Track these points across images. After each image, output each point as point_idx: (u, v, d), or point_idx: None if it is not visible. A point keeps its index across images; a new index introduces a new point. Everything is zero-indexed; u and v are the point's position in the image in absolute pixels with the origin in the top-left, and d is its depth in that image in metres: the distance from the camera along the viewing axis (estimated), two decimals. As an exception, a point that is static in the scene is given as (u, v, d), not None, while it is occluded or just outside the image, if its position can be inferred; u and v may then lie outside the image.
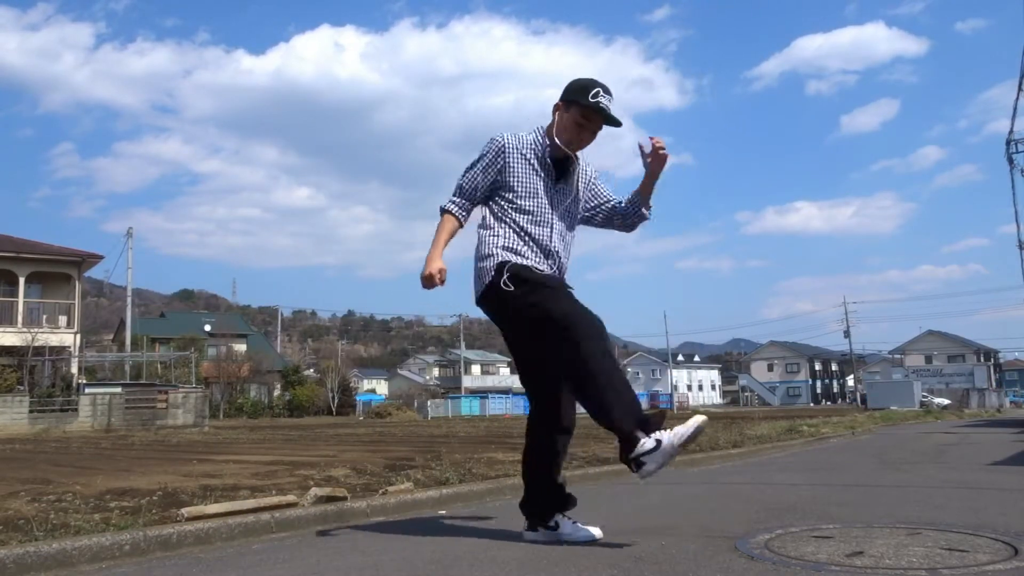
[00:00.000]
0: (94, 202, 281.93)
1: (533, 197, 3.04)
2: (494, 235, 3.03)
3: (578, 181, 3.16)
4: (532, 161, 3.05)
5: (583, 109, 2.97)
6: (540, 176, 3.06)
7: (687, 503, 4.30)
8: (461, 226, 3.10)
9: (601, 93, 2.96)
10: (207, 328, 56.60)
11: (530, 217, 3.03)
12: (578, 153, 3.11)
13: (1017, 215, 22.28)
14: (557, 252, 3.05)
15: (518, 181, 3.04)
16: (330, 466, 6.19)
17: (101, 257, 29.87)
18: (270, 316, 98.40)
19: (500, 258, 2.95)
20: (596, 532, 2.96)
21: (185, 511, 3.32)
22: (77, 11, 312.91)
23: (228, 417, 38.65)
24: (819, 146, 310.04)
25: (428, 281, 2.94)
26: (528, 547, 2.89)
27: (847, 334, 65.14)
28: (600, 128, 3.04)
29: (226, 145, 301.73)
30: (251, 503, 3.64)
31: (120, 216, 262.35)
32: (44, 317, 27.84)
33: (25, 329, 26.22)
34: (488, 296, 2.97)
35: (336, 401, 48.21)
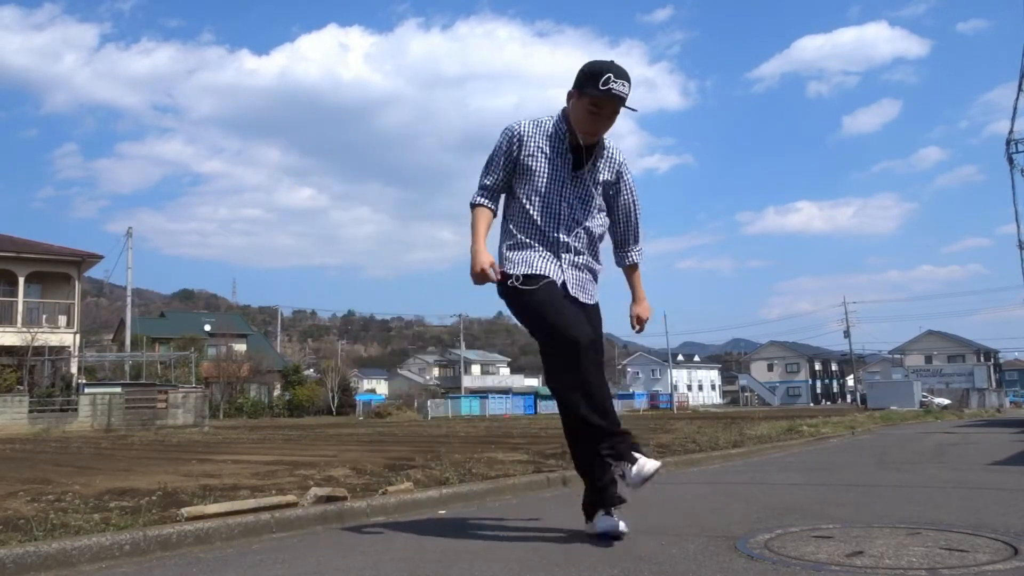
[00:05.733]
0: (97, 202, 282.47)
1: (545, 187, 3.02)
2: (503, 232, 3.13)
3: (603, 168, 3.10)
4: (546, 149, 3.03)
5: (593, 98, 2.89)
6: (556, 165, 3.03)
7: (687, 503, 4.30)
8: (495, 215, 3.13)
9: (612, 79, 2.85)
10: (207, 328, 56.58)
11: (539, 210, 3.02)
12: (606, 139, 3.07)
13: (1017, 215, 22.29)
14: (566, 244, 3.03)
15: (531, 171, 3.02)
16: (330, 466, 6.19)
17: (101, 257, 29.91)
18: (270, 316, 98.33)
19: (504, 262, 3.05)
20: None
21: (185, 511, 3.31)
22: (83, 11, 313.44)
23: (228, 417, 38.63)
24: (820, 146, 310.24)
25: (481, 277, 2.93)
26: (529, 546, 2.88)
27: (847, 334, 65.10)
28: (616, 113, 2.94)
29: (229, 145, 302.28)
30: (251, 503, 3.63)
31: (123, 216, 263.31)
32: (44, 317, 27.83)
33: (25, 329, 26.20)
34: (499, 292, 3.08)
35: (336, 401, 48.18)
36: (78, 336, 28.48)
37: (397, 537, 3.21)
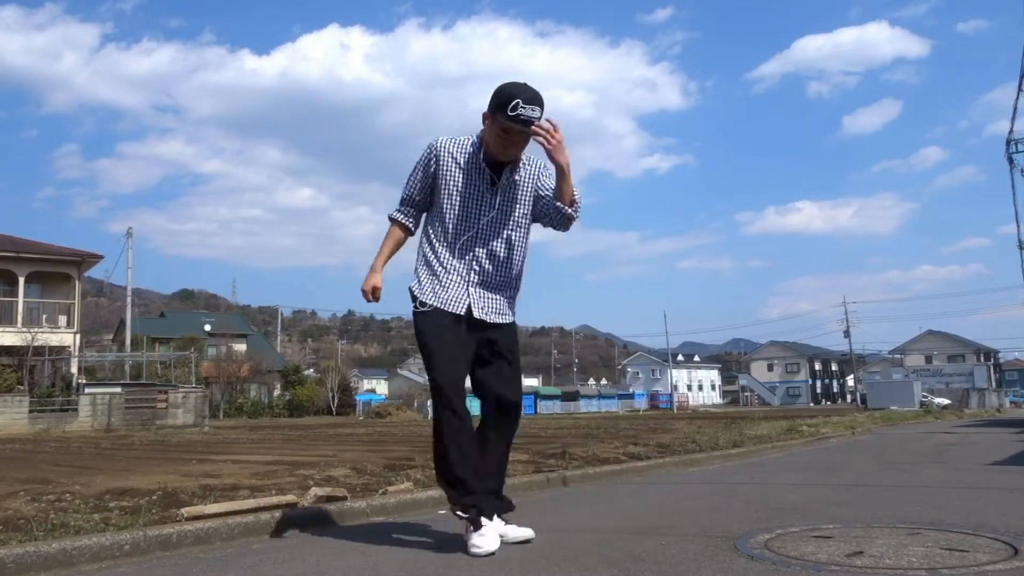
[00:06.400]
0: (97, 202, 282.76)
1: (461, 204, 2.99)
2: (419, 248, 3.12)
3: (522, 183, 3.04)
4: (462, 164, 2.99)
5: (502, 123, 2.85)
6: (472, 180, 2.99)
7: (687, 503, 4.30)
8: (411, 233, 3.13)
9: (521, 104, 2.79)
10: (207, 328, 56.61)
11: (453, 227, 3.00)
12: (524, 154, 3.02)
13: (1017, 215, 22.28)
14: (479, 259, 2.99)
15: (447, 187, 3.00)
16: (330, 466, 6.19)
17: (101, 257, 29.89)
18: (270, 316, 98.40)
19: (412, 283, 3.06)
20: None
21: (185, 511, 3.32)
22: (84, 11, 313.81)
23: (228, 417, 38.62)
24: (820, 146, 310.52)
25: (364, 296, 3.07)
26: (528, 547, 2.88)
27: (847, 334, 64.98)
28: (527, 138, 2.87)
29: (229, 146, 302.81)
30: (251, 503, 3.63)
31: (123, 216, 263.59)
32: (44, 317, 27.83)
33: (25, 329, 26.19)
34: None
35: (336, 401, 48.17)
36: (78, 336, 28.48)
37: (397, 537, 3.21)
